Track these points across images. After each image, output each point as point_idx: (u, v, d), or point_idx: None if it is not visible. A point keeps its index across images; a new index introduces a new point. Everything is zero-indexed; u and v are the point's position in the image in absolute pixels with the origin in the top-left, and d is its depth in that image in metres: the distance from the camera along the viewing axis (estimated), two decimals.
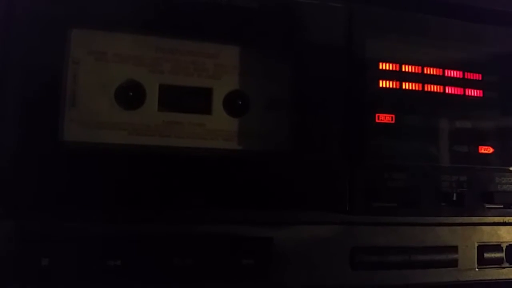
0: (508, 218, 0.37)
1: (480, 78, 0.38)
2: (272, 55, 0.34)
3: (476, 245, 0.37)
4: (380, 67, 0.35)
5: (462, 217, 0.36)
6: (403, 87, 0.36)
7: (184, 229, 0.30)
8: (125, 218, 0.29)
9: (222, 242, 0.31)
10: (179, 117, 0.32)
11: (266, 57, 0.33)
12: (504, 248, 0.37)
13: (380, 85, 0.35)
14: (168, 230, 0.30)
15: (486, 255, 0.36)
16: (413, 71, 0.36)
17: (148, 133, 0.31)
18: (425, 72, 0.36)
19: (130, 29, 0.31)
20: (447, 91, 0.37)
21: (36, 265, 0.27)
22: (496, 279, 0.37)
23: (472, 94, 0.37)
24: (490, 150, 0.37)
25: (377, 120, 0.35)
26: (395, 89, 0.35)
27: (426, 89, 0.36)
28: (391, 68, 0.35)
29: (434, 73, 0.36)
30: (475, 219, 0.36)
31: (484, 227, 0.37)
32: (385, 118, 0.35)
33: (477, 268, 0.36)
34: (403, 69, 0.36)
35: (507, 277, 0.37)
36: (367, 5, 0.35)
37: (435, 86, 0.36)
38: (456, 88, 0.37)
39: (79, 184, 0.29)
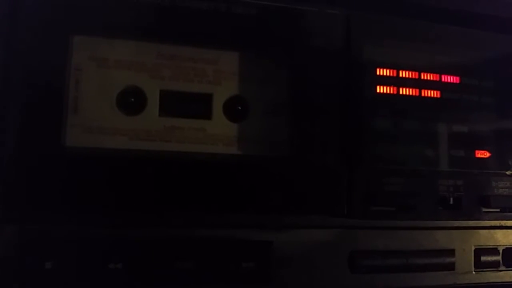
0: (504, 221, 0.37)
1: (477, 84, 0.38)
2: (271, 61, 0.34)
3: (473, 248, 0.37)
4: (378, 73, 0.36)
5: (459, 221, 0.36)
6: (400, 92, 0.36)
7: (185, 233, 0.31)
8: (126, 222, 0.30)
9: (222, 246, 0.31)
10: (179, 122, 0.32)
11: (265, 62, 0.34)
12: (500, 252, 0.37)
13: (378, 91, 0.35)
14: (169, 234, 0.30)
15: (483, 258, 0.37)
16: (410, 76, 0.36)
17: (149, 138, 0.31)
18: (422, 77, 0.37)
19: (131, 36, 0.31)
20: (444, 96, 0.37)
21: (40, 269, 0.27)
22: (493, 282, 0.37)
23: (469, 99, 0.38)
24: (486, 154, 0.37)
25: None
26: (393, 94, 0.36)
27: (423, 94, 0.37)
28: (388, 74, 0.36)
29: (431, 78, 0.37)
30: (472, 223, 0.36)
31: (481, 231, 0.37)
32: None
33: (474, 271, 0.37)
34: (400, 75, 0.36)
35: (503, 280, 0.37)
36: (365, 11, 0.35)
37: (432, 92, 0.37)
38: (453, 93, 0.37)
39: (81, 189, 0.29)
